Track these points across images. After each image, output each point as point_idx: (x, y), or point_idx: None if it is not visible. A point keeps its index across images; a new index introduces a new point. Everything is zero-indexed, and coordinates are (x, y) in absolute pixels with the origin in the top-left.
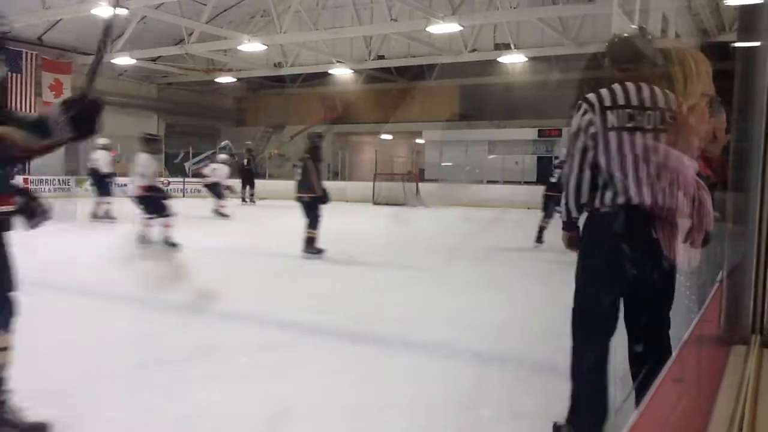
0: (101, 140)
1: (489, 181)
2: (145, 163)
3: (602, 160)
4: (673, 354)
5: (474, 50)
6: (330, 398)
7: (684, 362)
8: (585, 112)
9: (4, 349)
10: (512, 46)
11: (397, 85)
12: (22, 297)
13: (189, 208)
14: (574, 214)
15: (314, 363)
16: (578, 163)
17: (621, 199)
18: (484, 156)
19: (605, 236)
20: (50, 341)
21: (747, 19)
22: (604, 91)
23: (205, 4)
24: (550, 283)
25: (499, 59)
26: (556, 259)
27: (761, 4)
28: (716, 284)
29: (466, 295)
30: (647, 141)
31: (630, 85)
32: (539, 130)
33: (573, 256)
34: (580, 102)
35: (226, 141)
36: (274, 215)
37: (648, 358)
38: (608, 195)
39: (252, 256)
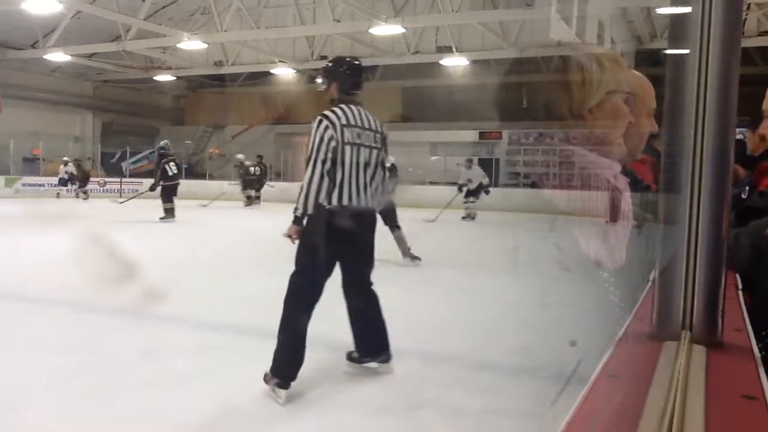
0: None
1: (431, 182)
2: None
3: (339, 169)
4: (608, 351)
5: (416, 52)
6: (270, 400)
7: (618, 359)
8: (327, 128)
9: None
10: (454, 49)
11: None
12: None
13: (126, 208)
14: (310, 211)
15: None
16: (320, 170)
17: (345, 201)
18: (426, 157)
19: (322, 225)
20: None
21: (677, 27)
22: (339, 111)
23: (143, 0)
24: (488, 282)
25: (441, 62)
26: (494, 255)
27: (690, 13)
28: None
29: (403, 294)
30: None
31: (354, 108)
32: (480, 133)
33: (517, 253)
34: (320, 118)
35: (165, 140)
36: (212, 216)
37: (361, 302)
38: (335, 196)
39: (193, 256)
